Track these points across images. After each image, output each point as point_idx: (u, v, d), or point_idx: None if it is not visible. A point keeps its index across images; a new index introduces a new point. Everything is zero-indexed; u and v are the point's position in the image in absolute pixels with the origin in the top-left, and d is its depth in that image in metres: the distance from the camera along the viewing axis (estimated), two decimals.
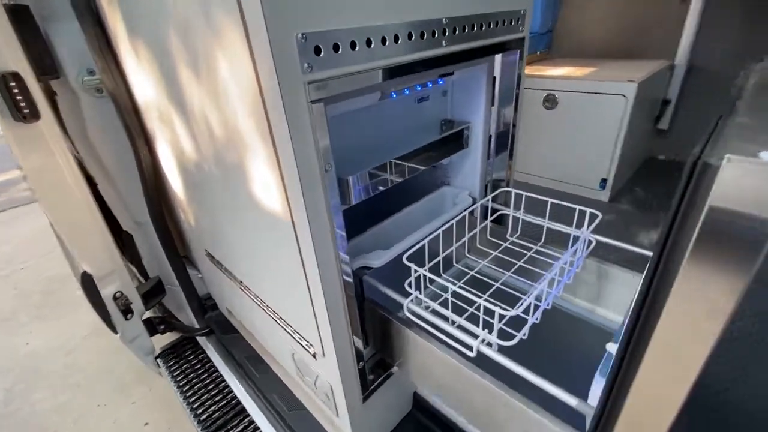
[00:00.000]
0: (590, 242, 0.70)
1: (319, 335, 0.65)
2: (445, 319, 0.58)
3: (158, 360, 1.30)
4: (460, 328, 0.57)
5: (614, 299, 0.76)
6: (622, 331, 0.45)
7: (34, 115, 0.79)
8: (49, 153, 0.82)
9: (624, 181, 1.70)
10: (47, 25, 0.85)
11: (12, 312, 1.88)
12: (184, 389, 1.19)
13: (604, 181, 1.56)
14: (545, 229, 0.81)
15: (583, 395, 0.49)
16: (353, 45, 0.46)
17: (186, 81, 0.61)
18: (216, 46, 0.47)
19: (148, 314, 1.18)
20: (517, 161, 1.88)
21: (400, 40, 0.52)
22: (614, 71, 1.53)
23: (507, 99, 0.84)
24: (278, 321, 0.78)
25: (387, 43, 0.50)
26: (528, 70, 1.75)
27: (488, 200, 0.81)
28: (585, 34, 1.99)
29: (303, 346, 0.73)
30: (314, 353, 0.71)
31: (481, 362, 0.56)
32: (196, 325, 1.29)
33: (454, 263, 0.79)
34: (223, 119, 0.55)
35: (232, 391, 1.12)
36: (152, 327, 1.19)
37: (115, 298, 1.02)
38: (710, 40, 1.64)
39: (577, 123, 1.54)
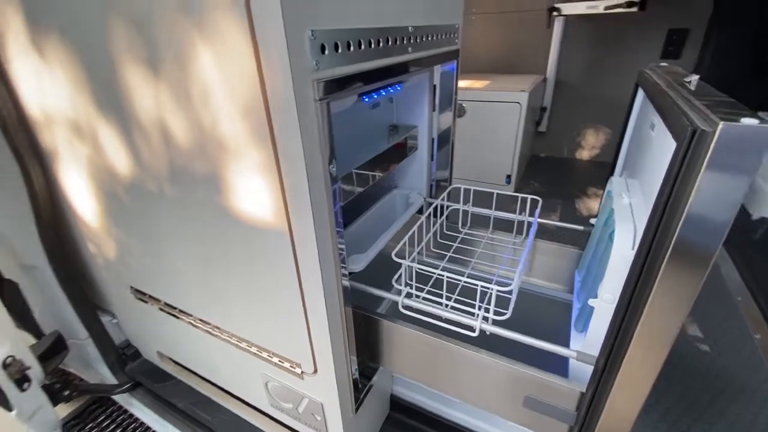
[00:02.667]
0: (531, 224, 0.81)
1: (313, 352, 0.62)
2: (440, 307, 0.61)
3: None
4: (453, 313, 0.61)
5: (554, 271, 0.88)
6: (600, 287, 0.54)
7: None
8: None
9: (521, 176, 1.98)
10: None
11: None
12: None
13: (508, 176, 1.79)
14: (492, 218, 0.90)
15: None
16: (349, 45, 0.47)
17: (130, 83, 0.53)
18: (196, 41, 0.43)
19: (45, 380, 0.94)
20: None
21: (381, 44, 0.54)
22: (506, 83, 1.78)
23: (446, 105, 0.92)
24: (247, 348, 0.71)
25: (372, 46, 0.52)
26: None
27: (443, 198, 0.87)
28: (471, 53, 2.28)
29: (286, 369, 0.68)
30: (301, 372, 0.66)
31: (480, 343, 0.60)
32: (114, 381, 1.07)
33: (425, 259, 0.82)
34: (196, 125, 0.50)
35: None
36: (54, 395, 0.96)
37: (5, 366, 0.80)
38: (568, 58, 2.03)
39: (483, 128, 1.75)
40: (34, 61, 0.62)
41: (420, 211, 0.97)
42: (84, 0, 0.50)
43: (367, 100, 0.76)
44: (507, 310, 0.60)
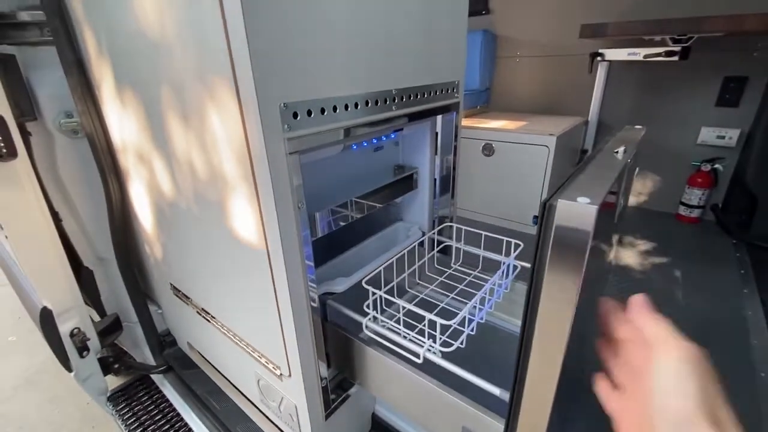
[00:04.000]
0: (516, 267, 0.85)
1: (287, 356, 0.72)
2: (398, 334, 0.69)
3: (108, 403, 1.26)
4: (411, 341, 0.68)
5: None
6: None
7: (12, 154, 0.83)
8: (21, 190, 0.86)
9: None
10: (30, 72, 0.91)
11: None
12: None
13: (535, 217, 1.78)
14: (481, 257, 0.95)
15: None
16: (323, 111, 0.59)
17: (171, 128, 0.70)
18: (209, 105, 0.58)
19: (102, 353, 1.16)
20: (464, 200, 2.08)
21: (359, 106, 0.66)
22: (539, 125, 1.80)
23: (447, 149, 1.01)
24: (245, 347, 0.84)
25: (349, 109, 0.64)
26: (470, 122, 2.00)
27: (434, 233, 0.95)
28: (516, 92, 2.33)
29: (269, 369, 0.79)
30: (280, 374, 0.77)
31: (430, 370, 0.66)
32: (153, 363, 1.27)
33: (407, 288, 0.90)
34: (208, 163, 0.65)
35: None
36: (106, 366, 1.17)
37: (72, 335, 1.02)
38: (612, 103, 2.00)
39: (510, 168, 1.78)
40: (117, 105, 0.84)
41: (420, 245, 1.05)
42: (145, 67, 0.69)
43: (366, 144, 0.88)
44: (461, 343, 0.66)
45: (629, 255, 1.65)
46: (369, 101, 0.68)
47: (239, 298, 0.77)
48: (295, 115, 0.55)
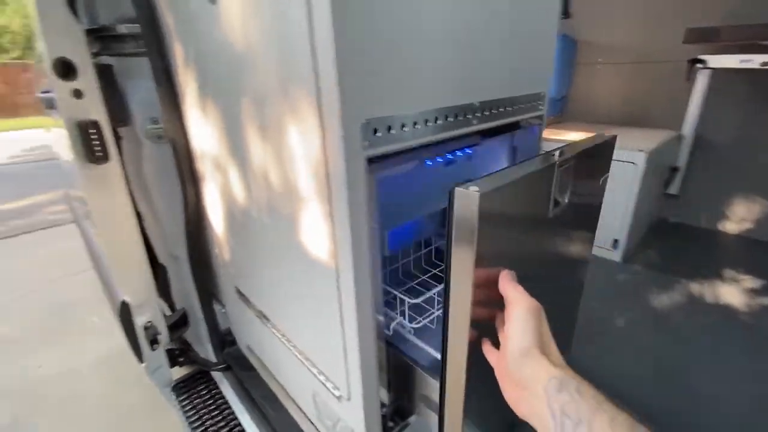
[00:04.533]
0: None
1: (348, 379, 0.69)
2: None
3: (171, 393, 1.32)
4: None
5: None
6: None
7: (105, 158, 0.89)
8: (112, 191, 0.92)
9: (636, 242, 1.74)
10: (124, 80, 0.98)
11: (21, 335, 1.91)
12: (195, 426, 1.20)
13: (616, 241, 1.60)
14: None
15: None
16: (402, 126, 0.55)
17: (249, 138, 0.70)
18: (289, 118, 0.57)
19: (168, 345, 1.22)
20: None
21: (438, 121, 0.61)
22: (624, 139, 1.63)
23: None
24: (304, 361, 0.82)
25: (428, 124, 0.59)
26: (543, 133, 1.87)
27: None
28: (595, 101, 2.14)
29: (328, 388, 0.76)
30: (339, 396, 0.74)
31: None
32: (214, 359, 1.32)
33: (400, 277, 0.94)
34: (283, 176, 0.64)
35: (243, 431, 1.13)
36: (172, 358, 1.23)
37: (145, 328, 1.07)
38: (714, 115, 1.75)
39: None
40: (200, 113, 0.87)
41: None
42: (229, 78, 0.69)
43: (440, 160, 0.83)
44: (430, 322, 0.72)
45: (731, 292, 1.42)
46: (448, 115, 0.62)
47: (303, 313, 0.75)
48: (375, 131, 0.52)
